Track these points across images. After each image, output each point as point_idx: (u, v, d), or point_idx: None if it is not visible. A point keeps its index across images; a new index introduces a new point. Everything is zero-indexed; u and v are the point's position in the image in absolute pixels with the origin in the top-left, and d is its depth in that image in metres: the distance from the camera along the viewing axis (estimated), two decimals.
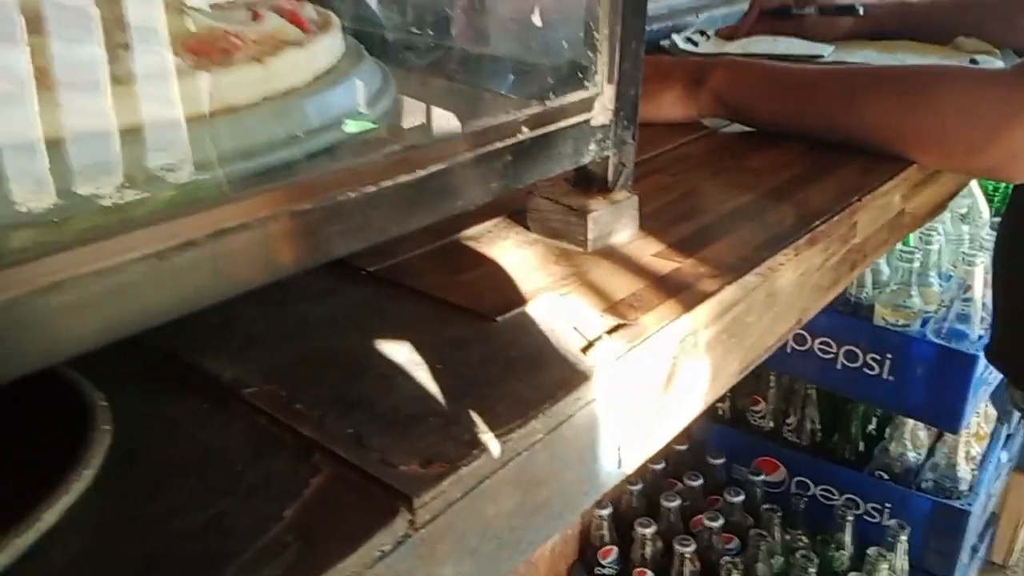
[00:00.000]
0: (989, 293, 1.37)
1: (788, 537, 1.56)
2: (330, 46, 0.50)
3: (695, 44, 1.17)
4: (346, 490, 0.36)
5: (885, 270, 1.51)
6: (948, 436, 1.57)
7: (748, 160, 0.76)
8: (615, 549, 1.58)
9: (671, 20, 1.24)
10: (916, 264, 1.41)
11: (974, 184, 1.63)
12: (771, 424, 1.70)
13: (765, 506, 1.56)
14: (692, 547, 1.46)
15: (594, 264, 0.55)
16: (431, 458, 0.37)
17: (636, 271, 0.54)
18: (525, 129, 0.49)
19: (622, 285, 0.52)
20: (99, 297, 0.33)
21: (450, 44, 0.61)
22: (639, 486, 1.62)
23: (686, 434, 1.65)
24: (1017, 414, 1.80)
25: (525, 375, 0.43)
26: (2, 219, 0.32)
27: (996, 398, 1.66)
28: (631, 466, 0.48)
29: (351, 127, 0.47)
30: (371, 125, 0.48)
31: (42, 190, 0.34)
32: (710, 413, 1.74)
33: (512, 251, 0.57)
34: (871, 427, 1.67)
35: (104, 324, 0.33)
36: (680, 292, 0.51)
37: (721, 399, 1.70)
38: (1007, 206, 1.03)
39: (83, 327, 0.33)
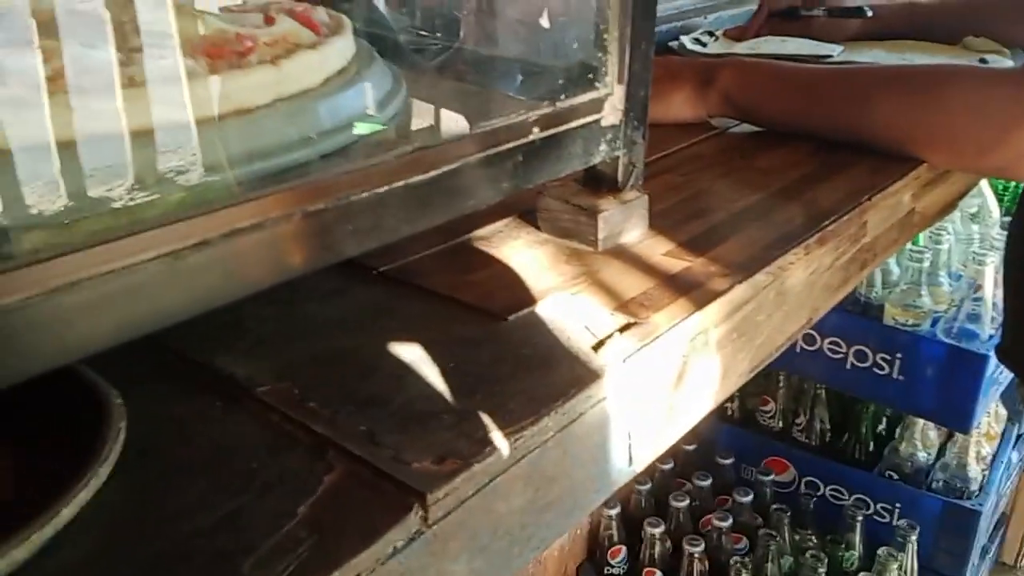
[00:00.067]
0: (999, 293, 1.36)
1: (797, 537, 1.56)
2: (342, 48, 0.50)
3: (703, 45, 1.17)
4: (359, 487, 0.36)
5: (895, 270, 1.51)
6: (958, 436, 1.57)
7: (757, 160, 0.76)
8: (624, 549, 1.58)
9: (679, 21, 1.24)
10: (926, 264, 1.41)
11: (984, 183, 1.63)
12: (780, 424, 1.70)
13: (774, 506, 1.56)
14: (701, 547, 1.46)
15: (604, 263, 0.55)
16: (444, 455, 0.37)
17: (646, 270, 0.54)
18: (536, 129, 0.49)
19: (632, 284, 0.52)
20: (113, 297, 0.33)
21: (460, 46, 0.61)
22: (648, 486, 1.62)
23: (695, 434, 1.65)
24: None
25: (536, 373, 0.43)
26: (15, 221, 0.33)
27: (1007, 398, 1.66)
28: (642, 464, 0.48)
29: (361, 129, 0.47)
30: (381, 127, 0.49)
31: (54, 192, 0.35)
32: (719, 413, 1.74)
33: (522, 251, 0.57)
34: (881, 427, 1.66)
35: (118, 324, 0.34)
36: (690, 291, 0.51)
37: (730, 399, 1.70)
38: (1018, 205, 1.03)
39: (97, 327, 0.33)
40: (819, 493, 1.63)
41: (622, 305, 0.50)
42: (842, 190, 0.69)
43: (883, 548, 1.48)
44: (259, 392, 0.42)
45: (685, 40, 1.17)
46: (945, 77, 0.77)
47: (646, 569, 1.52)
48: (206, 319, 0.36)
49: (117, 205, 0.35)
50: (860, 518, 1.53)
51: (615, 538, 1.58)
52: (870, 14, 1.17)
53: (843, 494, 1.60)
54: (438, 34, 0.62)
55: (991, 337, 1.39)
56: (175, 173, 0.38)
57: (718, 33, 1.22)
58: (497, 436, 0.38)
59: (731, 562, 1.47)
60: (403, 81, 0.54)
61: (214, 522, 0.34)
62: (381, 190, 0.42)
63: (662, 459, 1.64)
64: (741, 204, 0.65)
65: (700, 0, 1.32)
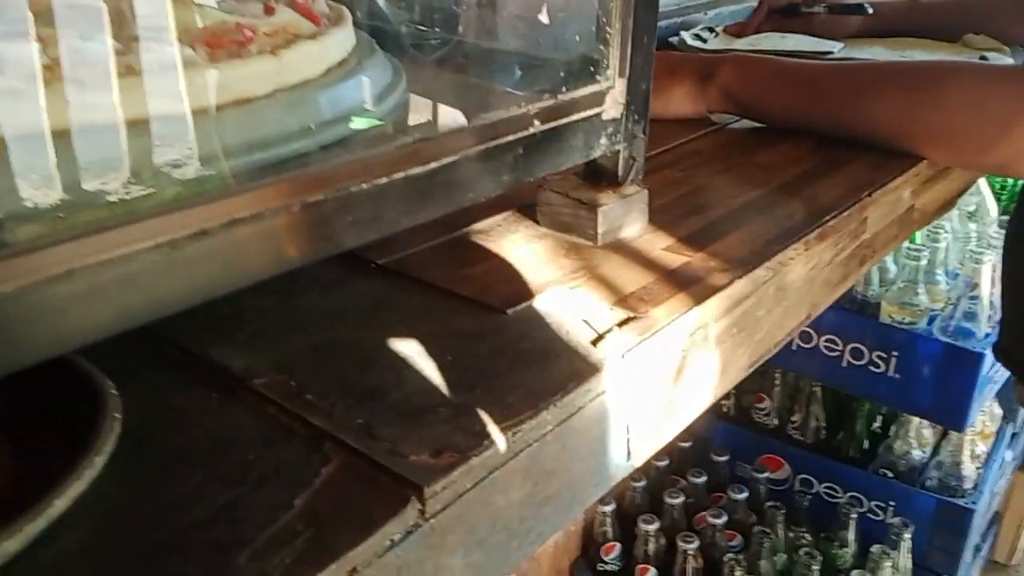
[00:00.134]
0: (996, 291, 1.37)
1: (792, 534, 1.56)
2: (342, 40, 0.50)
3: (703, 41, 1.17)
4: (356, 479, 0.36)
5: (892, 268, 1.51)
6: (953, 434, 1.57)
7: (758, 156, 0.76)
8: (618, 545, 1.58)
9: (680, 17, 1.24)
10: (923, 262, 1.41)
11: (982, 182, 1.63)
12: (775, 421, 1.70)
13: (769, 503, 1.56)
14: (695, 544, 1.46)
15: (604, 258, 0.55)
16: (441, 448, 0.37)
17: (646, 265, 0.54)
18: (537, 122, 0.49)
19: (632, 279, 0.52)
20: (110, 286, 0.33)
21: (461, 39, 0.61)
22: (642, 482, 1.62)
23: (690, 431, 1.65)
24: (1023, 413, 1.80)
25: (535, 367, 0.43)
26: (9, 212, 0.32)
27: (1002, 397, 1.66)
28: (640, 458, 0.48)
29: (358, 124, 0.47)
30: (378, 122, 0.48)
31: (49, 185, 0.34)
32: (714, 410, 1.74)
33: (522, 244, 0.57)
34: (876, 425, 1.66)
35: (115, 313, 0.33)
36: (690, 286, 0.51)
37: (726, 396, 1.70)
38: (1018, 202, 1.03)
39: (94, 316, 0.33)
40: (813, 490, 1.63)
41: (621, 299, 0.50)
42: (842, 186, 0.69)
43: (877, 546, 1.49)
44: (256, 384, 0.42)
45: (685, 36, 1.17)
46: (945, 73, 0.77)
47: (640, 566, 1.53)
48: (204, 310, 0.36)
49: (113, 199, 0.35)
50: (854, 516, 1.54)
51: (609, 534, 1.58)
52: (870, 11, 1.17)
53: (837, 492, 1.60)
54: (437, 28, 0.62)
55: (987, 336, 1.39)
56: (171, 167, 0.38)
57: (718, 29, 1.22)
58: (495, 430, 0.38)
59: (725, 559, 1.47)
60: (403, 73, 0.54)
61: (210, 513, 0.34)
62: (381, 181, 0.42)
63: (657, 456, 1.64)
64: (741, 200, 0.65)
65: None
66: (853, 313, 1.49)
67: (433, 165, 0.44)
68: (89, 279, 0.32)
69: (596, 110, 0.53)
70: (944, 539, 1.54)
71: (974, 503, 1.52)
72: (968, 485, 1.56)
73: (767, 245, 0.57)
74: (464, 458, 0.36)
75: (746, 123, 0.85)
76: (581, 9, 0.54)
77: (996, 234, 1.54)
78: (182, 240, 0.34)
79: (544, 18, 0.56)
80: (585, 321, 0.47)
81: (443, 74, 0.60)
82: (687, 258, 0.55)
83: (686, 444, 1.71)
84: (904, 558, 1.50)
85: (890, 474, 1.58)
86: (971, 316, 1.40)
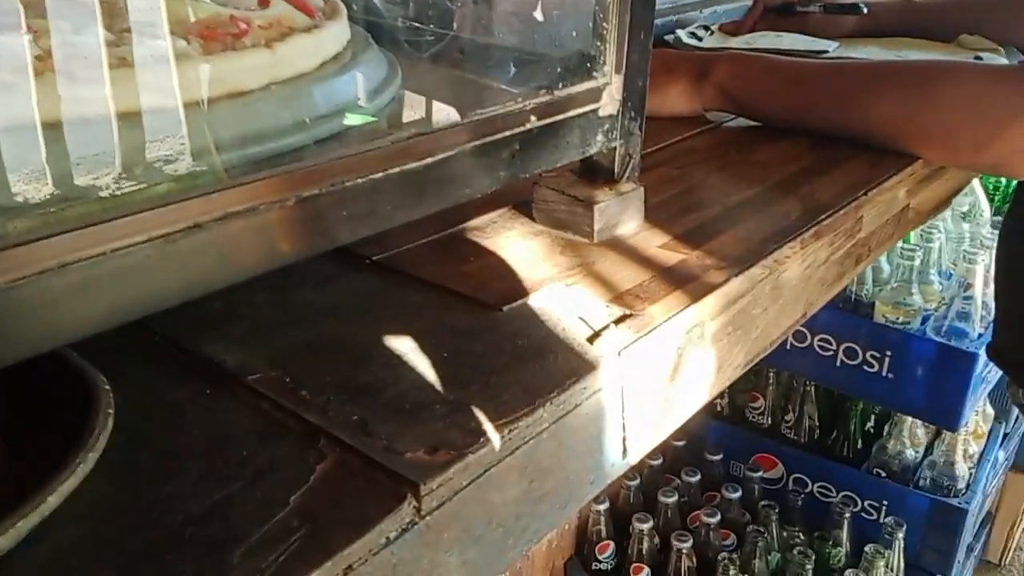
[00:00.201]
0: (989, 291, 1.37)
1: (785, 534, 1.56)
2: (337, 33, 0.49)
3: (699, 39, 1.17)
4: (352, 476, 0.35)
5: (886, 267, 1.51)
6: (946, 434, 1.57)
7: (753, 154, 0.76)
8: (612, 544, 1.58)
9: (675, 15, 1.24)
10: (917, 262, 1.41)
11: (975, 182, 1.63)
12: (769, 421, 1.70)
13: (763, 503, 1.56)
14: (689, 543, 1.46)
15: (600, 255, 0.55)
16: (437, 445, 0.37)
17: (642, 262, 0.54)
18: (533, 118, 0.49)
19: (628, 276, 0.52)
20: (103, 280, 0.33)
21: (457, 34, 0.60)
22: (636, 481, 1.62)
23: (684, 430, 1.65)
24: (1015, 413, 1.80)
25: (531, 364, 0.43)
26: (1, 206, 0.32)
27: (995, 397, 1.66)
28: (636, 456, 0.47)
29: (352, 118, 0.47)
30: (371, 118, 0.48)
31: (40, 179, 0.34)
32: (708, 409, 1.74)
33: (517, 241, 0.56)
34: (869, 424, 1.66)
35: (109, 307, 0.33)
36: (686, 283, 0.51)
37: (720, 395, 1.70)
38: (1012, 202, 1.03)
39: (87, 311, 0.33)
40: (807, 490, 1.63)
41: (617, 297, 0.50)
42: (838, 184, 0.69)
43: (870, 545, 1.49)
44: (251, 380, 0.41)
45: (681, 34, 1.17)
46: (940, 73, 0.77)
47: (634, 565, 1.52)
48: (197, 305, 0.36)
49: (104, 193, 0.35)
50: (848, 515, 1.54)
51: (603, 533, 1.58)
52: (865, 11, 1.17)
53: (831, 491, 1.60)
54: (432, 24, 0.62)
55: (980, 336, 1.39)
56: (163, 162, 0.37)
57: (714, 28, 1.22)
58: (491, 427, 0.38)
59: (719, 558, 1.47)
60: (398, 68, 0.53)
61: (204, 510, 0.33)
62: (376, 176, 0.41)
63: (651, 455, 1.64)
64: (737, 198, 0.65)
65: None
66: (847, 313, 1.49)
67: (428, 160, 0.44)
68: (82, 273, 0.32)
69: (592, 106, 0.53)
70: (937, 539, 1.54)
71: (967, 503, 1.52)
72: (961, 485, 1.56)
73: (763, 243, 0.57)
74: (460, 455, 0.36)
75: (742, 121, 0.85)
76: (577, 5, 0.54)
77: (989, 234, 1.54)
78: (176, 234, 0.34)
79: (539, 14, 0.56)
80: (581, 318, 0.47)
81: (438, 69, 0.59)
82: (683, 256, 0.55)
83: (680, 443, 1.71)
84: (897, 557, 1.50)
85: (883, 474, 1.58)
86: (964, 316, 1.40)
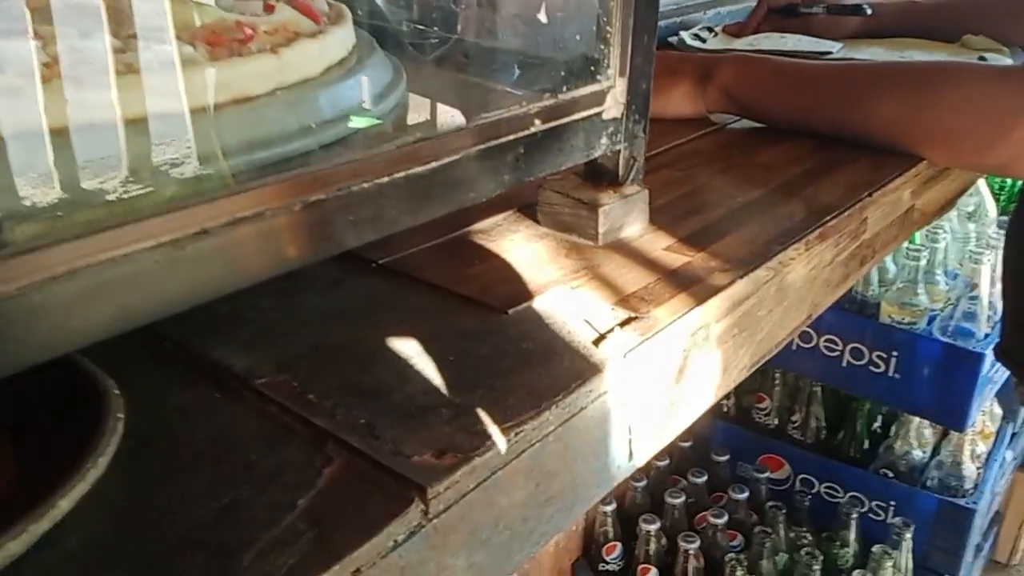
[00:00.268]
0: (995, 291, 1.37)
1: (792, 534, 1.56)
2: (343, 38, 0.50)
3: (702, 41, 1.17)
4: (359, 480, 0.36)
5: (891, 268, 1.51)
6: (953, 434, 1.57)
7: (757, 155, 0.76)
8: (619, 545, 1.58)
9: (679, 17, 1.24)
10: (923, 262, 1.41)
11: (981, 182, 1.63)
12: (776, 421, 1.70)
13: (769, 503, 1.56)
14: (696, 544, 1.46)
15: (605, 258, 0.55)
16: (444, 449, 0.37)
17: (647, 265, 0.54)
18: (537, 122, 0.49)
19: (633, 279, 0.52)
20: (112, 285, 0.33)
21: (461, 38, 0.60)
22: (643, 482, 1.62)
23: (690, 431, 1.65)
24: (1023, 413, 1.80)
25: (537, 367, 0.43)
26: (7, 211, 0.32)
27: (1002, 396, 1.66)
28: (643, 458, 0.47)
29: (358, 123, 0.47)
30: (376, 121, 0.48)
31: (47, 184, 0.34)
32: (715, 410, 1.74)
33: (522, 244, 0.56)
34: (876, 425, 1.66)
35: (116, 313, 0.33)
36: (691, 286, 0.51)
37: (726, 396, 1.70)
38: (1018, 202, 1.03)
39: (96, 316, 0.33)
40: (814, 490, 1.63)
41: (623, 299, 0.50)
42: (842, 186, 0.69)
43: (878, 546, 1.49)
44: (258, 384, 0.41)
45: (684, 36, 1.17)
46: (944, 74, 0.77)
47: (641, 566, 1.53)
48: (204, 309, 0.36)
49: (111, 198, 0.35)
50: (855, 516, 1.53)
51: (610, 534, 1.58)
52: (869, 12, 1.17)
53: (838, 491, 1.60)
54: (436, 27, 0.62)
55: (987, 336, 1.39)
56: (170, 166, 0.38)
57: (717, 29, 1.22)
58: (497, 430, 0.38)
59: (726, 559, 1.47)
60: (403, 72, 0.54)
61: (214, 514, 0.34)
62: (382, 181, 0.41)
63: (658, 456, 1.64)
64: (741, 200, 0.65)
65: None
66: (853, 313, 1.49)
67: (433, 164, 0.44)
68: (91, 279, 0.32)
69: (597, 109, 0.53)
70: (945, 539, 1.54)
71: (975, 503, 1.52)
72: (969, 485, 1.56)
73: (768, 245, 0.57)
74: (467, 458, 0.36)
75: (746, 123, 0.85)
76: (581, 8, 0.54)
77: (995, 234, 1.54)
78: (184, 239, 0.34)
79: (543, 17, 0.56)
80: (586, 321, 0.47)
81: (443, 73, 0.60)
82: (688, 258, 0.55)
83: (687, 444, 1.71)
84: (905, 558, 1.50)
85: (891, 474, 1.58)
86: (970, 316, 1.40)
